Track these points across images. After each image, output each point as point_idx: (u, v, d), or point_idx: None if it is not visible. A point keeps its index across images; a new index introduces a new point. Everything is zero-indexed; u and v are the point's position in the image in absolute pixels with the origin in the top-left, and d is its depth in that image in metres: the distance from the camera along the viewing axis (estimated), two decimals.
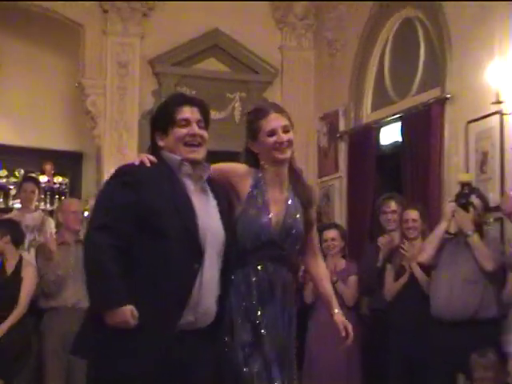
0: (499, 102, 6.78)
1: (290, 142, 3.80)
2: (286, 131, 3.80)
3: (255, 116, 3.86)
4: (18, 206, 8.95)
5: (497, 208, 6.49)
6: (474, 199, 6.25)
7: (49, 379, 6.76)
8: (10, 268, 6.84)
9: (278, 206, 3.81)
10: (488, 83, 6.92)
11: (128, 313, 3.27)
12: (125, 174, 3.46)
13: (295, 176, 3.91)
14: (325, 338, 6.33)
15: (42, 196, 9.82)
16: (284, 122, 3.82)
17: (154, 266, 3.33)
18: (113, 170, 3.55)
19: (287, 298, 3.82)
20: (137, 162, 3.49)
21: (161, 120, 3.58)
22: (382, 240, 7.09)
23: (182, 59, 9.46)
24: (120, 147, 9.13)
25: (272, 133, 3.77)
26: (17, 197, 9.19)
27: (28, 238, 7.71)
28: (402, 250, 6.64)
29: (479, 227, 6.25)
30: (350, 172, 8.84)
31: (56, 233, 7.26)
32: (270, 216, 3.77)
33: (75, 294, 6.69)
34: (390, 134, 8.36)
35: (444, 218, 6.21)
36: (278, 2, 9.56)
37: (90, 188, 9.78)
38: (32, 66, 10.35)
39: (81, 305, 6.47)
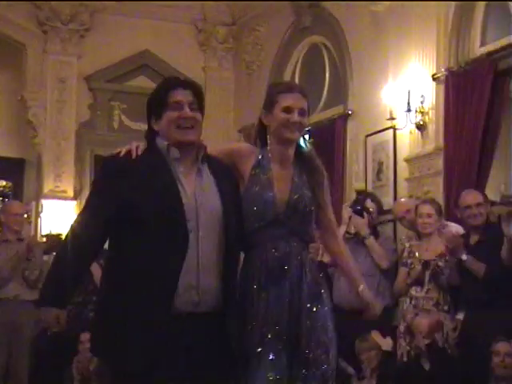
0: (392, 119, 6.95)
1: (302, 125, 3.31)
2: (301, 114, 3.31)
3: (278, 88, 3.40)
4: None
5: (390, 211, 6.65)
6: (369, 203, 6.39)
7: None
8: None
9: (283, 182, 3.31)
10: (383, 102, 7.08)
11: (51, 316, 3.01)
12: (109, 166, 3.14)
13: (304, 157, 3.39)
14: None
15: None
16: (303, 104, 3.32)
17: (139, 252, 2.98)
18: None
19: (307, 276, 3.23)
20: (123, 152, 3.13)
21: (154, 103, 3.20)
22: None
23: (116, 76, 9.53)
24: (58, 155, 9.15)
25: (288, 110, 3.29)
26: None
27: None
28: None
29: (374, 228, 6.41)
30: None
31: None
32: (274, 192, 3.27)
33: (15, 288, 6.64)
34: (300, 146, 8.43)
35: (342, 222, 6.32)
36: (202, 26, 9.61)
37: (31, 191, 9.69)
38: None
39: (21, 297, 6.48)
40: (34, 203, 9.21)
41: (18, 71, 9.45)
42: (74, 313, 6.64)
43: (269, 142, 3.36)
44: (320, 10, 8.21)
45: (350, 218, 6.29)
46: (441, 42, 6.65)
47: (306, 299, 3.21)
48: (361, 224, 6.27)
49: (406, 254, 5.99)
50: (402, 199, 6.59)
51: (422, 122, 6.67)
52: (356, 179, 7.49)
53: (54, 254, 3.16)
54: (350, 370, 5.91)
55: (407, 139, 6.90)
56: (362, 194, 6.62)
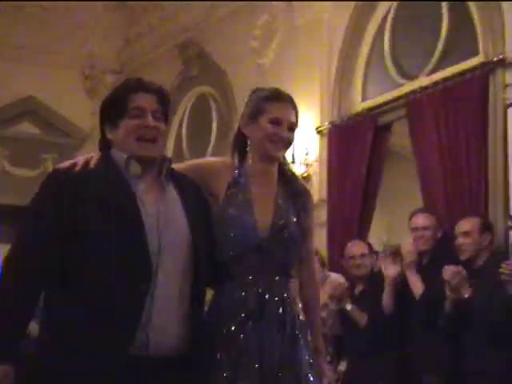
0: None
1: (288, 142, 2.88)
2: (290, 128, 2.87)
3: (266, 96, 2.89)
4: None
5: None
6: None
7: None
8: None
9: (265, 204, 2.82)
10: None
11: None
12: (57, 178, 2.59)
13: (287, 177, 2.93)
14: None
15: None
16: (293, 118, 2.88)
17: (93, 287, 2.47)
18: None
19: (287, 316, 2.75)
20: (80, 163, 2.63)
21: (111, 108, 2.68)
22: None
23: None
24: None
25: (276, 121, 2.83)
26: None
27: None
28: None
29: None
30: None
31: None
32: (255, 216, 2.77)
33: None
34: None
35: None
36: (90, 73, 9.55)
37: None
38: None
39: None
40: None
41: None
42: None
43: (249, 156, 2.89)
44: (207, 61, 8.31)
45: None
46: (324, 97, 6.83)
47: (284, 344, 2.72)
48: None
49: None
50: None
51: (306, 174, 6.78)
52: None
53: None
54: None
55: None
56: None
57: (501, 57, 5.34)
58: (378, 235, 6.60)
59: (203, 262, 2.64)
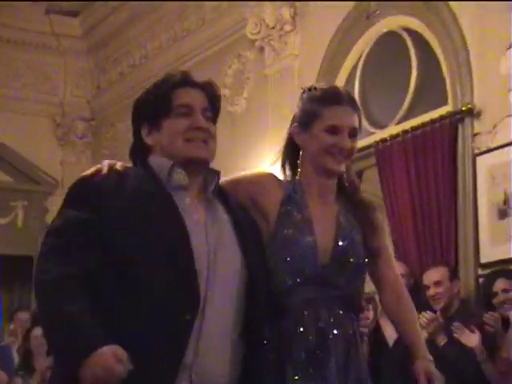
0: None
1: (351, 153, 2.43)
2: (352, 135, 2.42)
3: (321, 97, 2.44)
4: None
5: None
6: None
7: None
8: None
9: (325, 223, 2.39)
10: None
11: (107, 355, 1.93)
12: (86, 188, 2.17)
13: (350, 189, 2.48)
14: None
15: None
16: (355, 123, 2.43)
17: (129, 316, 2.06)
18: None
19: (353, 359, 2.33)
20: (102, 174, 2.17)
21: (150, 107, 2.25)
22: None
23: None
24: None
25: (334, 130, 2.39)
26: None
27: None
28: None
29: None
30: None
31: None
32: (315, 237, 2.34)
33: None
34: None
35: None
36: (61, 120, 9.52)
37: None
38: None
39: None
40: None
41: None
42: None
43: (303, 168, 2.46)
44: None
45: None
46: None
47: None
48: None
49: None
50: None
51: None
52: None
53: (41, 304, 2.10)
54: None
55: None
56: None
57: (469, 106, 5.39)
58: None
59: (259, 295, 2.20)
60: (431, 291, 4.82)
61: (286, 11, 6.86)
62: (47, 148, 9.51)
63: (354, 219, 2.45)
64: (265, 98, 7.19)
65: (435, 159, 5.51)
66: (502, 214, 5.11)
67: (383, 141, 5.95)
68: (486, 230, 5.20)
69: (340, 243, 2.37)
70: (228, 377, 2.15)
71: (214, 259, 2.15)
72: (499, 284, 4.62)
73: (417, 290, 5.07)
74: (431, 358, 2.46)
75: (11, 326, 7.32)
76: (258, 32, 7.12)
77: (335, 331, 2.31)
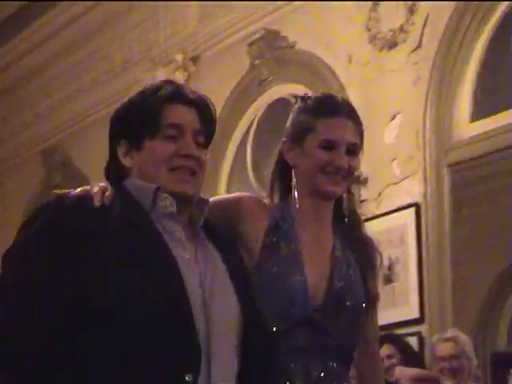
0: None
1: (350, 173, 2.13)
2: (351, 152, 2.11)
3: (315, 108, 2.11)
4: None
5: None
6: None
7: None
8: None
9: (318, 258, 2.07)
10: None
11: None
12: (57, 226, 1.75)
13: (350, 222, 2.17)
14: None
15: None
16: (354, 138, 2.11)
17: (116, 379, 1.70)
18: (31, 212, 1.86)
19: None
20: (97, 198, 1.80)
21: (133, 122, 1.87)
22: None
23: None
24: None
25: (329, 145, 2.08)
26: None
27: None
28: None
29: None
30: None
31: None
32: (305, 275, 2.01)
33: None
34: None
35: None
36: None
37: None
38: None
39: None
40: None
41: None
42: None
43: (294, 191, 2.13)
44: (72, 168, 8.23)
45: None
46: None
47: None
48: None
49: None
50: None
51: None
52: None
53: None
54: None
55: None
56: None
57: (356, 174, 5.52)
58: None
59: (262, 345, 1.85)
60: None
61: (179, 75, 6.92)
62: None
63: (352, 255, 2.13)
64: None
65: None
66: (387, 280, 5.24)
67: None
68: None
69: (334, 283, 2.04)
70: None
71: (211, 306, 1.81)
72: (383, 350, 4.68)
73: None
74: None
75: None
76: None
77: None
